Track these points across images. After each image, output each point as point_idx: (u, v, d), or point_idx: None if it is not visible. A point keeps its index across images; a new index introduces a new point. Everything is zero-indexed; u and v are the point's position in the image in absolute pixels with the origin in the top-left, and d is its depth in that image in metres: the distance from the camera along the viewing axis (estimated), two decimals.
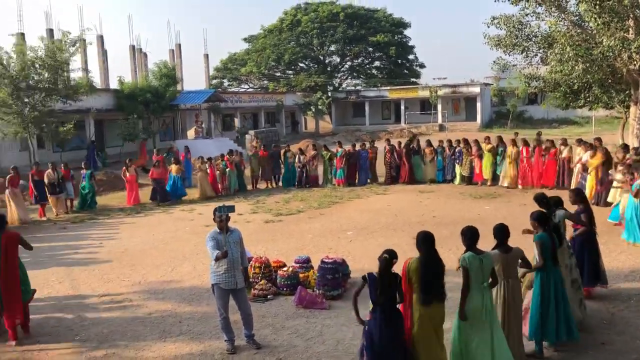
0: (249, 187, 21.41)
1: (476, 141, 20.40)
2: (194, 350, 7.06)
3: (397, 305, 5.81)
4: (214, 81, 58.53)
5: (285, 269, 9.22)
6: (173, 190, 19.46)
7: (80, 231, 15.08)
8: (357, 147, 21.94)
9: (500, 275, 6.20)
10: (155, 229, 14.69)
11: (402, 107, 51.54)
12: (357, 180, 21.21)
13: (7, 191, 16.44)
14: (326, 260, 8.80)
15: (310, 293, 8.47)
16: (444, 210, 15.38)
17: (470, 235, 5.95)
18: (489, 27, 19.43)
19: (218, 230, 7.03)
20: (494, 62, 21.19)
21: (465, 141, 20.41)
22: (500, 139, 19.58)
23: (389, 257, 5.70)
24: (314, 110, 50.65)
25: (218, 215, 7.01)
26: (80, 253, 12.57)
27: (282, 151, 22.72)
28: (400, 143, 22.10)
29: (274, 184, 22.07)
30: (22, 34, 28.76)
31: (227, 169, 20.58)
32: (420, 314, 5.70)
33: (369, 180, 21.18)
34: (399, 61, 59.55)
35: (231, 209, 7.12)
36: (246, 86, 60.82)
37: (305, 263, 9.53)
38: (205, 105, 35.69)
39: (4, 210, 15.70)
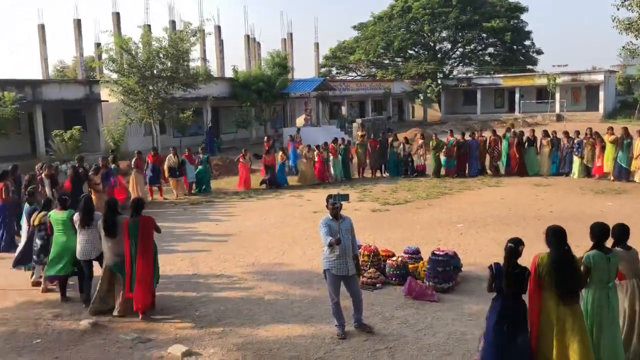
0: (355, 175, 21.48)
1: (597, 133, 19.10)
2: (306, 332, 7.25)
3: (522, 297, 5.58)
4: (323, 69, 59.18)
5: (394, 258, 9.20)
6: (279, 177, 20.02)
7: (197, 213, 15.92)
8: (467, 137, 21.33)
9: (628, 275, 5.80)
10: (266, 213, 15.20)
11: (517, 96, 49.34)
12: (467, 171, 20.63)
13: (133, 172, 17.71)
14: (437, 252, 8.66)
15: (420, 284, 8.39)
16: (563, 205, 14.58)
17: (598, 232, 5.61)
18: (618, 9, 18.13)
19: (331, 218, 7.13)
20: (623, 47, 19.84)
21: (591, 132, 19.12)
22: (625, 130, 18.17)
23: (514, 246, 5.48)
24: (422, 98, 49.79)
25: (332, 202, 7.12)
26: (199, 233, 13.30)
27: (389, 140, 22.59)
28: (513, 132, 21.23)
29: (380, 173, 22.01)
30: (149, 26, 30.63)
31: (332, 158, 20.80)
32: (550, 312, 5.42)
33: (478, 172, 20.56)
34: (514, 47, 56.94)
35: (345, 197, 7.22)
36: (354, 74, 60.98)
37: (415, 254, 9.45)
38: (314, 93, 36.24)
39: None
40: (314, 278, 9.52)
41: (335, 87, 38.81)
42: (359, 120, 32.63)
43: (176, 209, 16.68)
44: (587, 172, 18.93)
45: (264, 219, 14.53)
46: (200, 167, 19.46)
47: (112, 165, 16.31)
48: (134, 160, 17.77)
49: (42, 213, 8.84)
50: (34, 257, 9.12)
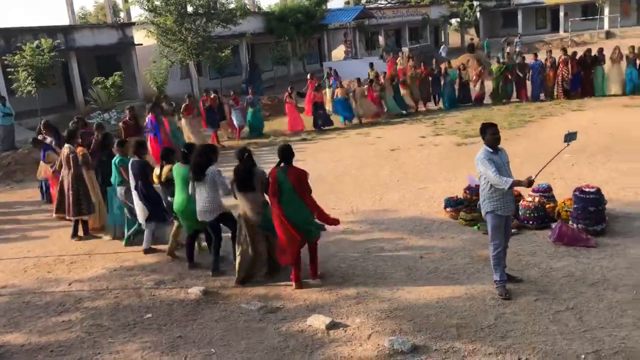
0: (410, 109, 19.92)
1: None
2: (457, 293, 6.17)
3: None
4: None
5: (529, 199, 7.99)
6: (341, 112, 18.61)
7: (261, 158, 14.75)
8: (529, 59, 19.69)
9: None
10: (338, 154, 13.98)
11: (561, 14, 46.30)
12: (529, 95, 19.02)
13: (182, 121, 16.47)
14: (587, 190, 7.41)
15: (572, 228, 7.21)
16: None
17: None
18: None
19: (491, 150, 5.91)
20: None
21: None
22: None
23: None
24: (458, 22, 47.06)
25: (492, 131, 5.90)
26: None
27: (443, 68, 20.94)
28: (574, 53, 19.46)
29: (435, 104, 20.44)
30: None
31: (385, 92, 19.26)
32: None
33: (542, 96, 18.97)
34: None
35: (575, 136, 6.30)
36: (385, 1, 57.78)
37: (546, 192, 8.22)
38: (353, 23, 34.20)
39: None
40: (431, 225, 8.43)
41: (376, 15, 36.51)
42: (405, 49, 30.72)
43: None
44: None
45: (337, 160, 13.35)
46: (250, 109, 18.22)
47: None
48: (184, 105, 16.54)
49: (169, 167, 7.69)
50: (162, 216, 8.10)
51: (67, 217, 9.42)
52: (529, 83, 19.37)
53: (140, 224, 8.34)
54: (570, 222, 7.44)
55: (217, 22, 23.67)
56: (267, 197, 6.73)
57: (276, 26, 31.07)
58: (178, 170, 7.27)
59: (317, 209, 6.65)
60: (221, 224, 7.19)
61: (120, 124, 13.40)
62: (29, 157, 15.09)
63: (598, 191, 7.46)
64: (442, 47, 38.76)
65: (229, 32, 26.54)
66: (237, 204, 7.00)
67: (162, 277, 7.37)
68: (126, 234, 8.69)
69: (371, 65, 22.35)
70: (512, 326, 5.36)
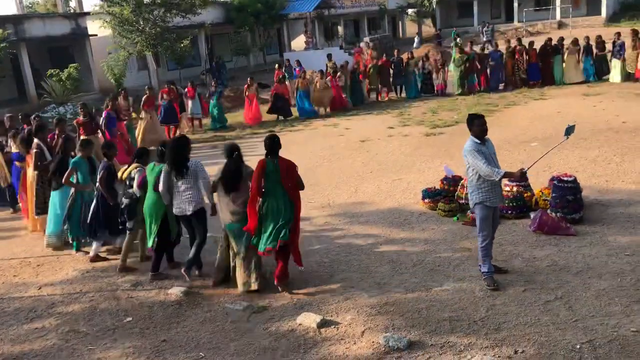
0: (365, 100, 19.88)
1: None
2: (445, 286, 6.11)
3: None
4: None
5: (507, 188, 8.03)
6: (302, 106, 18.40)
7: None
8: (487, 49, 20.02)
9: None
10: (307, 145, 13.80)
11: (515, 4, 47.11)
12: (488, 85, 19.34)
13: (142, 114, 15.94)
14: (565, 179, 7.50)
15: (552, 217, 7.27)
16: (630, 115, 13.43)
17: None
18: None
19: (478, 141, 5.87)
20: None
21: (635, 33, 17.87)
22: None
23: None
24: (415, 13, 47.37)
25: (479, 122, 5.85)
26: None
27: (405, 58, 21.01)
28: (532, 43, 19.87)
29: (396, 95, 20.48)
30: None
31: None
32: None
33: (501, 86, 19.31)
34: None
35: (573, 129, 6.33)
36: None
37: (523, 181, 8.27)
38: (313, 13, 33.92)
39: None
40: (410, 217, 8.39)
41: (336, 5, 36.29)
42: (366, 40, 30.67)
43: (198, 149, 15.16)
44: (628, 76, 17.93)
45: (309, 152, 13.18)
46: (212, 101, 17.88)
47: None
48: (144, 97, 16.04)
49: (134, 165, 7.23)
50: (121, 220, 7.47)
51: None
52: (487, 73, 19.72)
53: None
54: (549, 211, 7.52)
55: (176, 12, 23.04)
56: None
57: (235, 16, 30.54)
58: (155, 169, 6.90)
59: (298, 213, 6.43)
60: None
61: (74, 122, 12.57)
62: None
63: (575, 180, 7.56)
64: (415, 38, 38.78)
65: (188, 23, 25.91)
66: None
67: (138, 278, 7.08)
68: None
69: (329, 56, 22.12)
70: (505, 318, 5.35)
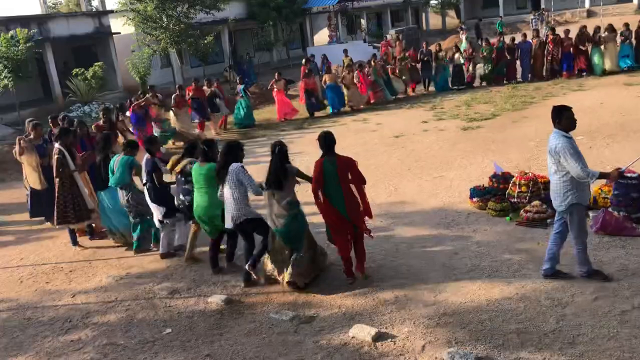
0: (401, 94, 19.32)
1: None
2: (506, 293, 5.64)
3: None
4: None
5: None
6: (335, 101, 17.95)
7: (256, 151, 14.06)
8: (517, 40, 19.36)
9: None
10: (339, 143, 13.14)
11: None
12: (519, 77, 18.77)
13: (171, 113, 15.71)
14: (629, 175, 6.96)
15: (615, 216, 6.75)
16: None
17: None
18: None
19: (569, 136, 5.49)
20: None
21: None
22: None
23: None
24: (438, 3, 46.50)
25: (569, 115, 5.47)
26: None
27: (434, 50, 20.41)
28: (568, 31, 19.13)
29: (425, 88, 19.87)
30: None
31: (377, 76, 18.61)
32: None
33: (529, 77, 18.68)
34: None
35: None
36: None
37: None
38: (336, 6, 33.41)
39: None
40: (458, 217, 7.92)
41: None
42: (392, 32, 30.06)
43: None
44: None
45: (342, 149, 12.62)
46: (239, 98, 17.51)
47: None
48: (174, 96, 15.79)
49: (188, 160, 6.94)
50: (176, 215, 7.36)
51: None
52: (518, 64, 19.10)
53: (148, 226, 7.69)
54: (610, 209, 7.00)
55: (200, 8, 22.73)
56: (296, 196, 6.19)
57: (258, 11, 30.16)
58: (198, 170, 6.58)
59: (365, 202, 6.21)
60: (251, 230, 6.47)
61: (93, 127, 12.21)
62: (9, 154, 14.20)
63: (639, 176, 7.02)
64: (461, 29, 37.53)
65: (211, 19, 25.67)
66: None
67: (175, 285, 6.75)
68: (134, 238, 7.95)
69: (345, 51, 21.50)
70: (578, 330, 4.88)
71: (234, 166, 6.13)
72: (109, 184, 7.74)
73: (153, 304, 6.34)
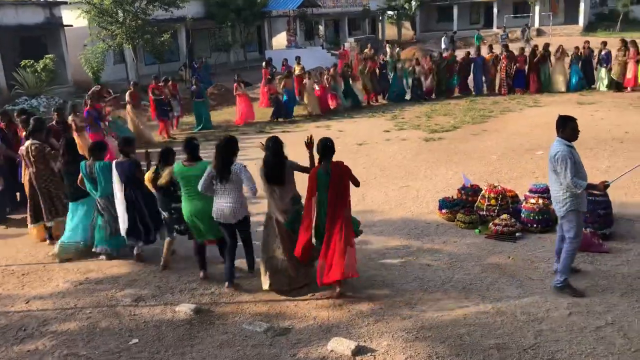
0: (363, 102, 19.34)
1: (634, 42, 17.81)
2: (482, 307, 5.61)
3: None
4: None
5: (533, 201, 7.64)
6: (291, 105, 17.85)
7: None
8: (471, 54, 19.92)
9: None
10: (302, 148, 13.17)
11: (495, 10, 47.40)
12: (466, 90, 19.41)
13: (127, 109, 15.22)
14: (596, 192, 7.10)
15: (584, 233, 6.87)
16: (630, 125, 13.27)
17: None
18: None
19: (571, 145, 5.69)
20: None
21: (624, 42, 17.88)
22: None
23: None
24: (395, 15, 47.16)
25: (573, 125, 5.73)
26: None
27: (394, 58, 20.65)
28: (522, 49, 19.81)
29: (378, 99, 19.85)
30: None
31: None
32: None
33: (484, 90, 19.20)
34: None
35: None
36: None
37: (545, 193, 7.90)
38: (296, 11, 33.31)
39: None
40: (428, 228, 7.93)
41: (319, 4, 35.65)
42: (350, 40, 30.21)
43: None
44: (617, 85, 17.91)
45: (304, 154, 12.58)
46: (197, 100, 17.05)
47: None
48: (128, 93, 15.28)
49: (169, 168, 6.41)
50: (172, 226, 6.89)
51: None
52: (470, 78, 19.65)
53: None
54: None
55: (159, 4, 22.15)
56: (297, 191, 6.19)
57: (217, 12, 29.69)
58: (187, 171, 6.26)
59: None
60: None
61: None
62: None
63: (606, 193, 7.18)
64: (444, 38, 37.75)
65: (168, 16, 25.04)
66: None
67: (139, 292, 6.43)
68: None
69: (298, 58, 21.35)
70: (556, 346, 4.91)
71: (237, 166, 5.99)
72: (99, 195, 7.17)
73: (116, 312, 6.01)
